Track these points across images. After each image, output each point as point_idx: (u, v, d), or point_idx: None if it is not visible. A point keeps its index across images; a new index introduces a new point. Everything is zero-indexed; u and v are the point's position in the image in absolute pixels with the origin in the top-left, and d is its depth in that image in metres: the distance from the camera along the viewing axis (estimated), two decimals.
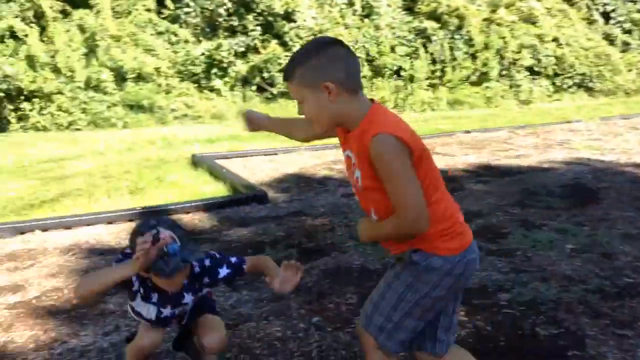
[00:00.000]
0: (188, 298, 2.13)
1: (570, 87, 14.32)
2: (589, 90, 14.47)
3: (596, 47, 14.96)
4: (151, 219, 2.02)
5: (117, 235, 4.33)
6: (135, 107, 10.91)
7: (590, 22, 16.21)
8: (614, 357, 2.49)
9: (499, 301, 3.08)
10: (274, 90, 11.91)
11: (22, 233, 4.33)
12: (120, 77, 11.18)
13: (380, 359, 1.88)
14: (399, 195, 1.66)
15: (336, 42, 1.77)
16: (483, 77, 13.68)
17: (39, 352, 2.63)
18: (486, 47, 13.74)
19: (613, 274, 3.38)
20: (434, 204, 1.74)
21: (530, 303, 3.04)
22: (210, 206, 4.93)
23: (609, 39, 16.10)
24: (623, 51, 16.03)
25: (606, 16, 16.45)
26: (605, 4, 16.40)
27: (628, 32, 16.52)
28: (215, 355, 2.24)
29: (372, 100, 1.78)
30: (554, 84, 14.26)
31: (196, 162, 6.63)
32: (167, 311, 2.10)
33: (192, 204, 4.93)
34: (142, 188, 5.56)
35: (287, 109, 11.49)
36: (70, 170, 6.45)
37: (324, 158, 7.18)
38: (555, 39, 14.60)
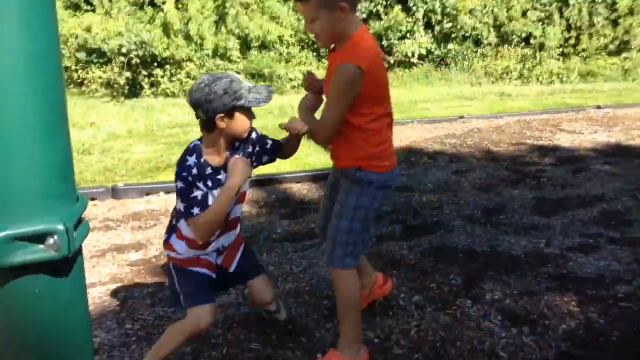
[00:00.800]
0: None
1: None
2: None
3: None
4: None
5: None
6: (257, 75, 11.31)
7: None
8: None
9: (617, 293, 2.89)
10: (391, 59, 11.74)
11: (148, 194, 4.74)
12: (245, 45, 11.60)
13: (349, 278, 2.24)
14: (327, 112, 2.12)
15: None
16: (623, 47, 12.41)
17: (155, 308, 2.88)
18: (631, 12, 12.39)
19: None
20: (375, 132, 2.15)
21: None
22: (319, 177, 5.04)
23: None
24: None
25: None
26: None
27: None
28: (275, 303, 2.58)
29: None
30: None
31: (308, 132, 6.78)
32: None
33: (303, 173, 5.08)
34: None
35: (403, 79, 11.32)
36: (195, 136, 6.86)
37: (436, 132, 7.01)
38: None
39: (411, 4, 11.65)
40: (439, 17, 11.77)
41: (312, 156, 5.84)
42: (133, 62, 10.48)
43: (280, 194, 4.76)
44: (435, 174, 5.21)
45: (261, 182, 4.92)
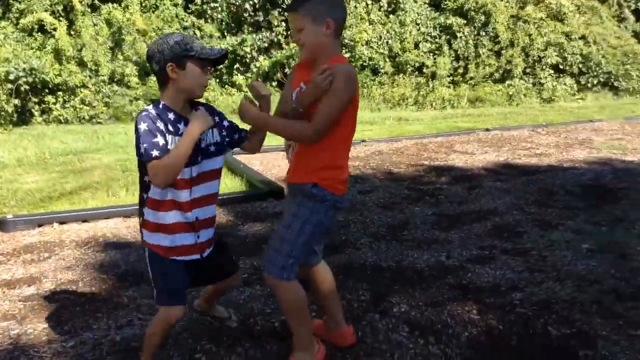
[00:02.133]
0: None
1: (594, 85, 14.05)
2: (614, 89, 14.18)
3: (625, 45, 14.65)
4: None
5: (134, 228, 4.39)
6: (157, 101, 11.03)
7: (621, 19, 15.89)
8: (625, 358, 2.46)
9: (512, 300, 3.06)
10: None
11: (40, 225, 4.42)
12: (144, 71, 11.32)
13: (288, 287, 2.22)
14: (322, 111, 2.09)
15: None
16: (506, 75, 13.51)
17: (52, 345, 2.66)
18: (512, 44, 13.56)
19: (629, 275, 3.33)
20: (340, 154, 2.23)
21: (543, 303, 3.01)
22: (227, 201, 4.97)
23: (639, 37, 15.77)
24: None
25: (637, 13, 16.10)
26: (637, 1, 16.06)
27: None
28: None
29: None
30: (578, 82, 14.01)
31: None
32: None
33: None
34: None
35: None
36: (90, 164, 6.56)
37: None
38: (583, 37, 14.34)
39: None
40: None
41: None
42: (22, 88, 9.84)
43: None
44: None
45: None
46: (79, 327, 2.84)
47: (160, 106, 2.08)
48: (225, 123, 2.33)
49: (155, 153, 1.98)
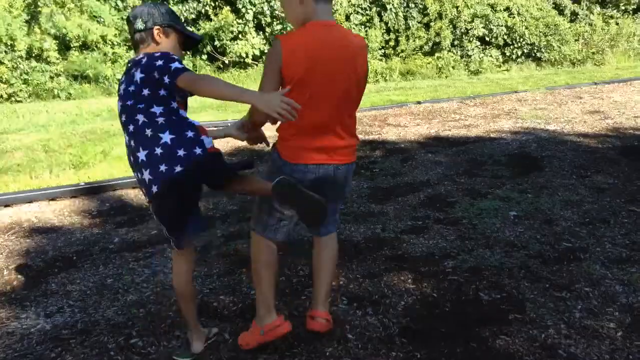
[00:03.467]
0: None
1: (519, 57, 14.58)
2: (537, 60, 14.77)
3: (546, 16, 15.23)
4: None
5: (60, 212, 4.19)
6: (80, 77, 10.48)
7: None
8: (551, 319, 2.60)
9: (445, 268, 3.17)
10: (226, 60, 11.66)
11: None
12: (64, 45, 10.68)
13: (255, 243, 2.37)
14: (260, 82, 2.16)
15: None
16: (436, 47, 13.77)
17: None
18: (440, 16, 13.79)
19: (553, 240, 3.52)
20: (295, 123, 2.00)
21: (474, 269, 3.14)
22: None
23: (559, 8, 16.43)
24: (571, 21, 16.41)
25: None
26: None
27: (577, 1, 16.90)
28: None
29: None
30: (503, 54, 14.48)
31: None
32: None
33: None
34: (86, 162, 5.39)
35: (239, 78, 11.32)
36: (10, 145, 6.17)
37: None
38: (507, 9, 14.78)
39: (240, 6, 11.68)
40: (268, 19, 11.97)
41: None
42: None
43: (115, 201, 4.45)
44: None
45: (92, 190, 4.55)
46: (5, 317, 2.70)
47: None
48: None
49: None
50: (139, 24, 2.11)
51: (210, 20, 11.71)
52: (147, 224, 3.92)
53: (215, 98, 2.01)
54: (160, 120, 2.00)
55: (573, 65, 14.94)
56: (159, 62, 1.99)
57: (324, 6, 2.15)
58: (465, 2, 14.18)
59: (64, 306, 2.80)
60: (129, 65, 2.09)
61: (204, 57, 11.72)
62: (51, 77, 10.28)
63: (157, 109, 2.01)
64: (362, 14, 13.26)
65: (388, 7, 13.30)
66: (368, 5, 13.31)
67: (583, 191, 4.45)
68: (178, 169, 1.96)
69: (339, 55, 2.14)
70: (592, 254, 3.30)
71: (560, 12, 16.34)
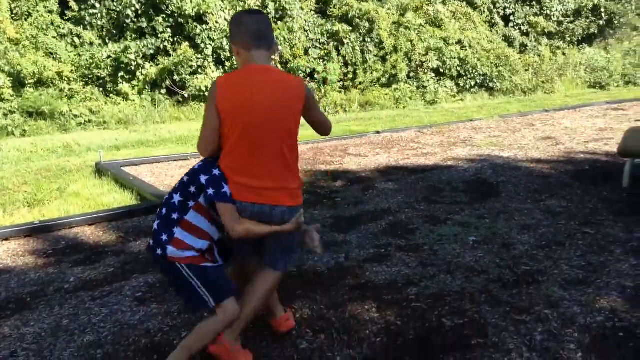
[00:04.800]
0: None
1: (472, 87, 15.07)
2: (490, 90, 15.30)
3: (497, 48, 15.86)
4: None
5: (13, 252, 4.04)
6: (35, 113, 10.24)
7: (492, 24, 17.19)
8: (513, 342, 2.64)
9: (408, 295, 3.18)
10: (185, 94, 11.63)
11: None
12: (18, 82, 10.46)
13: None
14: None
15: (246, 11, 2.38)
16: (392, 79, 14.10)
17: None
18: (395, 50, 14.16)
19: (512, 263, 3.59)
20: (232, 160, 2.30)
21: (436, 295, 3.16)
22: (116, 216, 4.72)
23: (508, 40, 17.15)
24: (521, 52, 17.14)
25: (506, 19, 17.53)
26: (505, 8, 17.47)
27: (525, 34, 17.70)
28: None
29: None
30: (457, 84, 14.95)
31: (101, 170, 6.33)
32: None
33: (96, 215, 4.69)
34: (41, 200, 5.23)
35: (199, 111, 11.28)
36: None
37: None
38: (459, 42, 15.32)
39: (199, 42, 11.74)
40: (227, 54, 12.04)
41: (105, 196, 5.44)
42: None
43: (70, 239, 4.32)
44: None
45: (47, 228, 4.41)
46: None
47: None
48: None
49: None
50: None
51: (169, 55, 11.70)
52: (104, 262, 3.81)
53: None
54: None
55: (524, 94, 15.53)
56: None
57: (260, 53, 2.33)
58: (420, 37, 14.64)
59: (18, 350, 2.68)
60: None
61: (163, 91, 11.66)
62: (5, 115, 10.01)
63: None
64: (320, 48, 13.51)
65: (345, 41, 13.59)
66: (326, 40, 13.58)
67: (539, 215, 4.58)
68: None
69: (269, 93, 2.28)
70: (550, 276, 3.38)
71: (510, 44, 17.07)
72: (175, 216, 2.31)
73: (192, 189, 2.32)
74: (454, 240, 4.04)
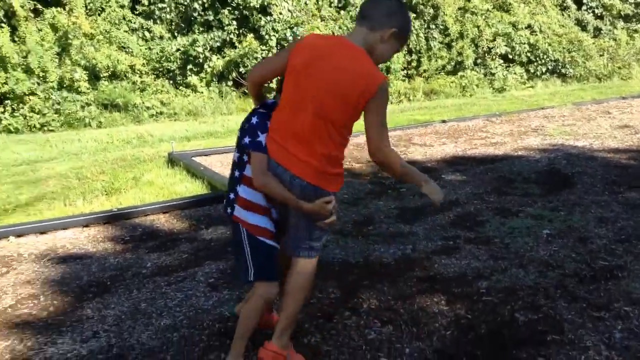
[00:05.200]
0: None
1: (543, 73, 14.47)
2: (562, 76, 14.65)
3: (569, 33, 15.14)
4: None
5: (93, 238, 4.26)
6: (110, 105, 10.73)
7: (563, 8, 16.41)
8: (591, 340, 2.54)
9: (479, 289, 3.12)
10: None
11: None
12: (93, 75, 10.99)
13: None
14: None
15: None
16: (458, 67, 13.76)
17: None
18: (461, 36, 13.81)
19: (589, 258, 3.44)
20: (274, 116, 2.27)
21: (509, 289, 3.08)
22: (188, 205, 4.88)
23: (581, 24, 16.31)
24: (595, 36, 16.27)
25: (579, 2, 16.67)
26: None
27: (600, 17, 16.76)
28: None
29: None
30: (527, 71, 14.40)
31: (173, 160, 6.56)
32: None
33: (169, 203, 4.87)
34: (118, 189, 5.49)
35: None
36: (44, 173, 6.33)
37: None
38: (529, 26, 14.74)
39: (263, 33, 11.89)
40: None
41: (178, 185, 5.64)
42: None
43: (146, 226, 4.51)
44: None
45: (124, 216, 4.63)
46: (42, 343, 2.74)
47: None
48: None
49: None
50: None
51: (235, 47, 11.92)
52: (178, 249, 3.96)
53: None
54: None
55: (599, 80, 14.77)
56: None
57: (359, 30, 2.21)
58: (487, 22, 14.19)
59: (100, 331, 2.83)
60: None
61: (230, 83, 11.91)
62: (82, 107, 10.54)
63: None
64: None
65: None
66: None
67: (617, 208, 4.36)
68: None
69: (335, 70, 2.12)
70: (630, 272, 3.22)
71: (583, 28, 16.22)
72: (237, 174, 2.32)
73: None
74: (526, 234, 3.92)
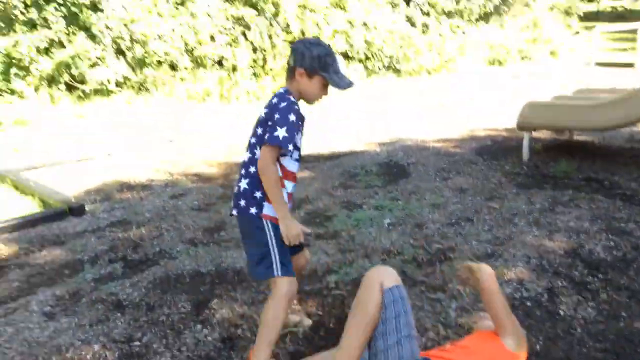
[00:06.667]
0: None
1: (380, 69, 15.38)
2: (397, 71, 15.69)
3: (400, 29, 16.23)
4: None
5: None
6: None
7: (394, 5, 17.55)
8: (429, 321, 2.74)
9: (328, 284, 3.21)
10: (86, 88, 11.00)
11: None
12: None
13: None
14: None
15: None
16: None
17: None
18: (303, 34, 14.13)
19: (424, 243, 3.72)
20: None
21: (356, 281, 3.21)
22: (17, 226, 4.40)
23: (411, 21, 17.60)
24: (423, 32, 17.66)
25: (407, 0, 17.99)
26: None
27: (426, 14, 18.25)
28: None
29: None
30: (366, 67, 15.19)
31: None
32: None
33: None
34: None
35: (103, 107, 10.74)
36: None
37: (146, 158, 6.82)
38: (364, 24, 15.53)
39: (96, 31, 11.11)
40: (128, 44, 11.49)
41: (4, 204, 5.05)
42: None
43: None
44: (152, 201, 5.05)
45: None
46: None
47: (293, 98, 2.25)
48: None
49: (289, 146, 2.18)
50: (291, 59, 2.26)
51: (64, 47, 11.00)
52: (6, 277, 3.55)
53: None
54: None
55: (429, 74, 16.07)
56: (276, 115, 2.19)
57: None
58: (326, 20, 14.70)
59: None
60: (273, 95, 2.33)
61: (62, 87, 10.96)
62: None
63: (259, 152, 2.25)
64: (227, 34, 13.22)
65: (252, 26, 13.40)
66: (232, 26, 13.31)
67: (447, 193, 4.78)
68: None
69: None
70: (460, 252, 3.54)
71: (413, 24, 17.55)
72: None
73: None
74: (370, 224, 4.13)
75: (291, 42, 13.84)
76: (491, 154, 6.07)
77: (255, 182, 2.28)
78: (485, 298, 2.08)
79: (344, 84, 2.27)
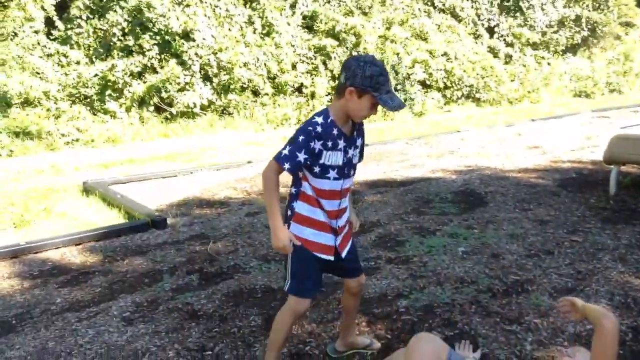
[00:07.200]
0: (358, 141, 2.42)
1: (459, 98, 15.19)
2: (476, 100, 15.42)
3: (482, 60, 16.01)
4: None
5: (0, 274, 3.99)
6: (22, 133, 10.17)
7: (477, 36, 17.39)
8: (504, 353, 2.63)
9: (398, 308, 3.17)
10: (173, 110, 11.61)
11: None
12: (4, 103, 10.42)
13: None
14: None
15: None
16: None
17: None
18: (383, 62, 14.27)
19: (501, 273, 3.59)
20: None
21: (427, 307, 3.15)
22: (103, 236, 4.68)
23: (493, 52, 17.34)
24: (506, 63, 17.33)
25: (491, 31, 17.76)
26: (489, 20, 17.73)
27: (510, 45, 17.93)
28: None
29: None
30: (444, 96, 15.05)
31: (88, 189, 6.28)
32: (350, 152, 2.34)
33: (82, 234, 4.65)
34: (28, 221, 5.18)
35: (187, 128, 11.26)
36: None
37: (225, 177, 7.07)
38: (445, 54, 15.46)
39: (186, 58, 11.77)
40: (215, 70, 12.06)
41: (93, 215, 5.39)
42: None
43: (57, 260, 4.27)
44: (229, 218, 5.22)
45: (32, 250, 4.36)
46: None
47: (329, 121, 2.23)
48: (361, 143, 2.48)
49: (286, 165, 2.18)
50: (342, 76, 2.20)
51: (157, 72, 11.70)
52: (90, 282, 3.77)
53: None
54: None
55: (511, 104, 15.66)
56: (295, 132, 2.22)
57: None
58: (406, 50, 14.77)
59: None
60: None
61: (151, 109, 11.63)
62: None
63: None
64: (307, 63, 13.58)
65: (332, 55, 13.69)
66: (313, 55, 13.66)
67: (527, 224, 4.60)
68: None
69: None
70: (539, 285, 3.38)
71: (495, 55, 17.25)
72: (294, 190, 2.36)
73: None
74: (443, 252, 4.04)
75: None
76: (575, 186, 5.79)
77: (289, 200, 2.36)
78: (599, 350, 1.86)
79: (395, 104, 2.18)
